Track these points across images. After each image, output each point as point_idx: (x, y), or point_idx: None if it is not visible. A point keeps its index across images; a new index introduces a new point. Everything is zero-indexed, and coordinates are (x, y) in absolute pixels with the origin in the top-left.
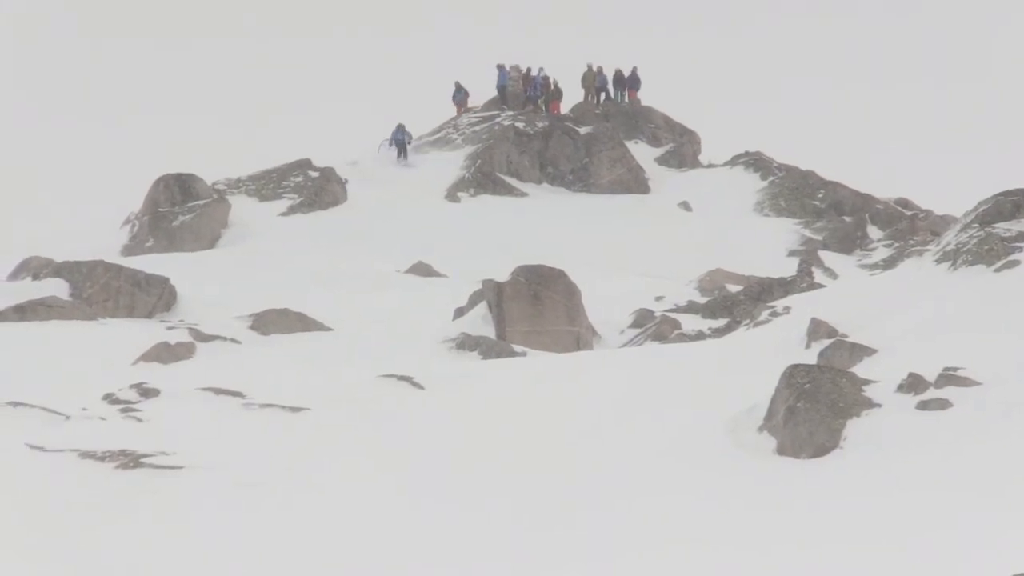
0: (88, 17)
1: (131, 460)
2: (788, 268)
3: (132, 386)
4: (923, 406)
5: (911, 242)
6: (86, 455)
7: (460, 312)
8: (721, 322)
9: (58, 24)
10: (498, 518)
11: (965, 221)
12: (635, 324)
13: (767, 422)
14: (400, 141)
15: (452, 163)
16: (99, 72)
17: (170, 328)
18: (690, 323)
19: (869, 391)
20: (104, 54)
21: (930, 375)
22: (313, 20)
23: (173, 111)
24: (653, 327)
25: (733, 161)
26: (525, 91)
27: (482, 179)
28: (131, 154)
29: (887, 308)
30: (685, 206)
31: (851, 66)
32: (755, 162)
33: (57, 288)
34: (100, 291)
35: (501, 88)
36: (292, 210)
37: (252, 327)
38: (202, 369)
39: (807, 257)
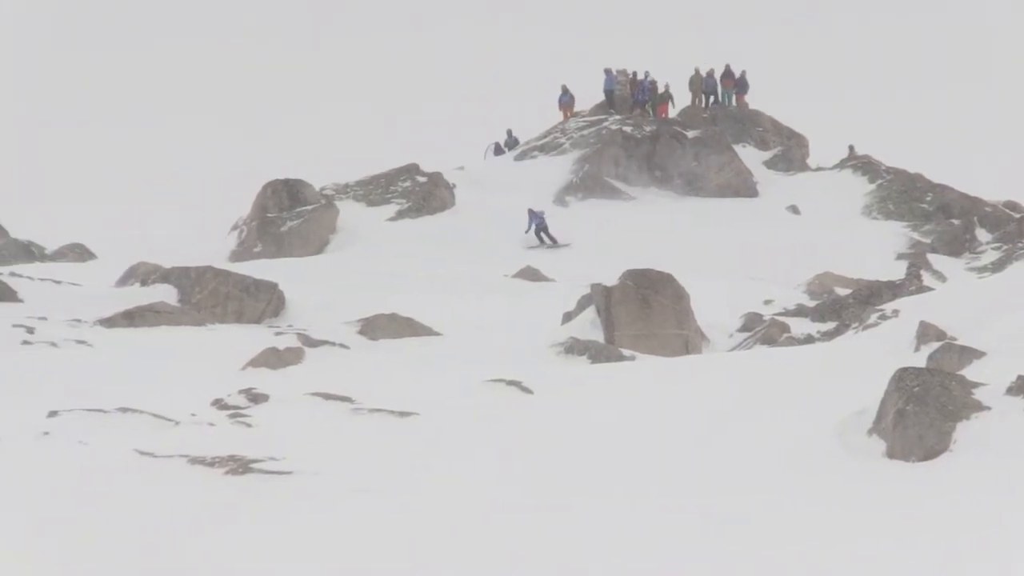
0: (187, 19)
1: (240, 465)
2: (896, 271)
3: (241, 391)
4: None
5: (1020, 244)
6: (195, 460)
7: (568, 316)
8: (830, 325)
9: (154, 26)
10: (610, 518)
11: None
12: (744, 328)
13: (876, 425)
14: (540, 225)
15: (560, 167)
16: (193, 74)
17: (279, 333)
18: (799, 326)
19: (978, 394)
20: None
21: None
22: (413, 20)
23: (280, 113)
24: (762, 330)
25: (841, 164)
26: (633, 95)
27: (590, 183)
28: (240, 157)
29: (996, 310)
30: (793, 209)
31: (959, 66)
32: (863, 165)
33: (166, 294)
34: (209, 297)
35: (608, 92)
36: (400, 215)
37: (360, 332)
38: (311, 374)
39: (915, 260)
